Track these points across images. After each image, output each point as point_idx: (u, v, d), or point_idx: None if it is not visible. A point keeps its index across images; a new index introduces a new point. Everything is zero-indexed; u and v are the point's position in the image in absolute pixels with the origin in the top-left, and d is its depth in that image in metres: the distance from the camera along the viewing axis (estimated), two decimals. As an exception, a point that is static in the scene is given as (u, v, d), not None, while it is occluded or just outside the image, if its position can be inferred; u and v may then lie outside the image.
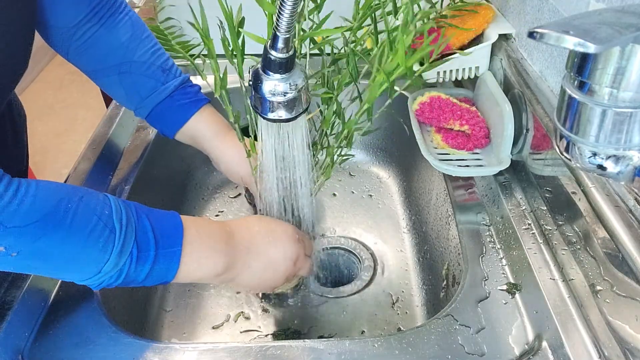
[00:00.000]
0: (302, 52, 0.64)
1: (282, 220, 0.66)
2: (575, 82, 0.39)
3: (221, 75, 0.62)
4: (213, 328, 0.75)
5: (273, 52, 0.51)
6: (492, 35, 0.78)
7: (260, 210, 0.69)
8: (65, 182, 0.75)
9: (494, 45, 0.79)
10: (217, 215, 0.95)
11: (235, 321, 0.76)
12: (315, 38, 0.63)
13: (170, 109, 0.73)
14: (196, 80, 0.78)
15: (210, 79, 0.66)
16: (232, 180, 0.76)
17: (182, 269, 0.54)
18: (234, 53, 0.60)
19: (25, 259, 0.47)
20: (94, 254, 0.49)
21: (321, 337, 0.73)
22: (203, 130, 0.74)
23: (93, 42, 0.69)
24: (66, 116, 2.54)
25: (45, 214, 0.47)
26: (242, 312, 0.77)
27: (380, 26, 0.61)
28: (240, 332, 0.74)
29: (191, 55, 1.03)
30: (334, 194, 0.98)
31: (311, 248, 0.67)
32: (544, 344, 0.52)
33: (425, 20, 0.64)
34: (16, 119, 0.77)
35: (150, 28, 0.70)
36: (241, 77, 0.62)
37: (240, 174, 0.72)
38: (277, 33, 0.49)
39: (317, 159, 0.68)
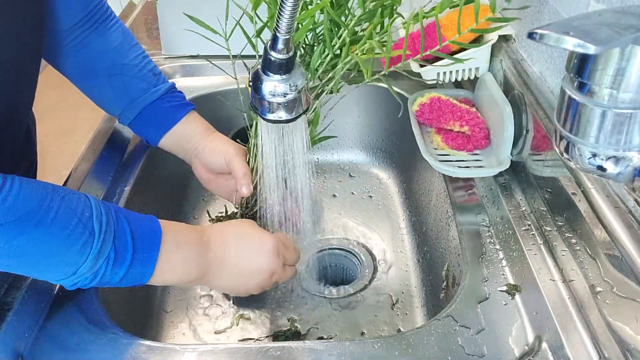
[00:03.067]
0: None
1: (266, 230, 0.65)
2: (575, 83, 0.39)
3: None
4: (213, 330, 0.75)
5: (273, 53, 0.51)
6: (492, 36, 0.78)
7: (259, 214, 0.69)
8: (65, 182, 0.75)
9: (494, 46, 0.79)
10: (216, 216, 0.95)
11: (236, 323, 0.76)
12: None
13: (161, 110, 0.74)
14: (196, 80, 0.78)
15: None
16: (216, 171, 0.74)
17: (156, 273, 0.54)
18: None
19: (7, 257, 0.47)
20: (71, 255, 0.49)
21: (320, 338, 0.73)
22: (192, 130, 0.74)
23: (84, 45, 0.70)
24: (67, 117, 2.54)
25: (27, 212, 0.46)
26: (242, 313, 0.77)
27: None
28: (240, 333, 0.74)
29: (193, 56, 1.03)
30: (334, 195, 0.98)
31: (296, 258, 0.66)
32: (544, 345, 0.52)
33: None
34: (26, 117, 0.77)
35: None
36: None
37: (227, 159, 0.71)
38: (277, 34, 0.49)
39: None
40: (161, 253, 0.54)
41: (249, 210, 0.73)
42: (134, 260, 0.52)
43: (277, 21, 0.48)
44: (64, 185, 0.74)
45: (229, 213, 0.76)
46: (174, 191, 0.92)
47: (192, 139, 0.74)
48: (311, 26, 0.63)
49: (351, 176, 1.02)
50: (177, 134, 0.74)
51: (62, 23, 0.68)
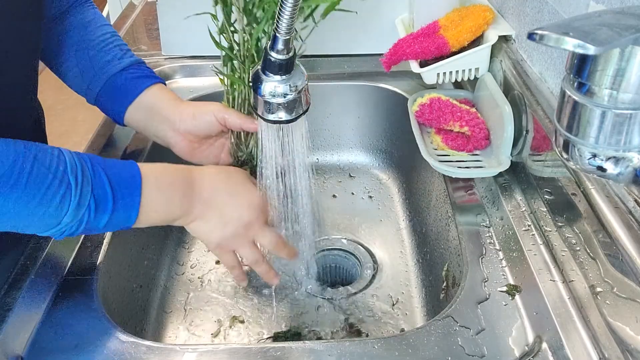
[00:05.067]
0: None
1: (255, 190, 0.65)
2: (575, 84, 0.39)
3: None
4: (214, 330, 0.75)
5: (273, 54, 0.51)
6: (491, 37, 0.78)
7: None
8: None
9: (493, 46, 0.79)
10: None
11: (236, 323, 0.76)
12: None
13: (125, 80, 0.71)
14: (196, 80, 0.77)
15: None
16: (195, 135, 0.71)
17: (141, 217, 0.56)
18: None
19: None
20: (51, 210, 0.50)
21: (320, 338, 0.73)
22: (160, 100, 0.71)
23: (57, 23, 0.70)
24: (66, 118, 2.54)
25: (1, 175, 0.47)
26: (242, 313, 0.77)
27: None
28: (240, 334, 0.74)
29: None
30: (334, 195, 0.98)
31: (276, 220, 0.67)
32: (544, 345, 0.52)
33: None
34: (36, 114, 0.77)
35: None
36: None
37: (217, 115, 0.69)
38: (277, 34, 0.49)
39: None
40: (143, 196, 0.55)
41: (244, 162, 0.73)
42: (116, 206, 0.53)
43: (277, 22, 0.48)
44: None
45: None
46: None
47: (162, 110, 0.71)
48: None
49: (351, 176, 1.02)
50: (144, 105, 0.71)
51: (53, 10, 0.68)
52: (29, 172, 0.49)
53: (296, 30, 0.54)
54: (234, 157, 0.73)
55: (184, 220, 0.61)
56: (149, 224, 0.58)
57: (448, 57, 0.79)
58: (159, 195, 0.57)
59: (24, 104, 0.66)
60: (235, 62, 0.68)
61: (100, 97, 0.72)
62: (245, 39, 0.65)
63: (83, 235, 0.67)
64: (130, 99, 0.71)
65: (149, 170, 0.57)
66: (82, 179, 0.51)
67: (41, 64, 0.69)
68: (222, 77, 0.70)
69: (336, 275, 0.88)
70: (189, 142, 0.71)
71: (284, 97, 0.54)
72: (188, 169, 0.61)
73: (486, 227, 0.67)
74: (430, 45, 0.80)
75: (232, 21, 0.66)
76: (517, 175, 0.72)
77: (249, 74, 0.65)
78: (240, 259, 0.67)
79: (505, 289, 0.59)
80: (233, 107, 0.70)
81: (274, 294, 0.79)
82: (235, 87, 0.69)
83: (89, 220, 0.52)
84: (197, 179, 0.61)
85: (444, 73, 0.80)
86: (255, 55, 0.65)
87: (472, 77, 0.81)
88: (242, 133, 0.71)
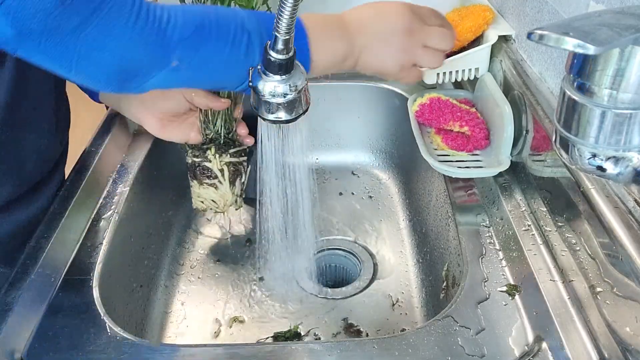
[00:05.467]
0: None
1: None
2: (575, 84, 0.39)
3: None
4: (214, 330, 0.75)
5: (273, 54, 0.51)
6: (491, 37, 0.78)
7: (259, 213, 0.69)
8: (65, 183, 0.75)
9: (493, 46, 0.79)
10: (216, 215, 0.95)
11: (237, 323, 0.76)
12: None
13: None
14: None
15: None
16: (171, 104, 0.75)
17: (312, 59, 0.60)
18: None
19: (192, 70, 0.53)
20: (240, 57, 0.55)
21: (320, 338, 0.73)
22: None
23: None
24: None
25: (196, 27, 0.52)
26: (242, 313, 0.77)
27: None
28: (241, 334, 0.74)
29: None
30: (334, 195, 0.98)
31: (432, 15, 0.68)
32: (544, 345, 0.52)
33: None
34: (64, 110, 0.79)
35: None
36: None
37: (187, 96, 0.73)
38: (277, 34, 0.49)
39: None
40: (309, 39, 0.59)
41: (212, 140, 0.76)
42: None
43: (277, 21, 0.48)
44: (63, 185, 0.74)
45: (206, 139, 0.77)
46: (174, 191, 0.92)
47: None
48: None
49: (351, 176, 1.02)
50: None
51: None
52: (216, 24, 0.53)
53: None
54: (203, 135, 0.76)
55: (351, 56, 0.63)
56: (324, 68, 0.62)
57: (448, 57, 0.79)
58: (321, 35, 0.60)
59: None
60: None
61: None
62: None
63: (83, 235, 0.67)
64: None
65: (303, 17, 0.60)
66: (258, 26, 0.56)
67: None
68: None
69: (336, 275, 0.88)
70: (158, 119, 0.75)
71: (284, 97, 0.54)
72: (329, 14, 0.64)
73: (486, 226, 0.67)
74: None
75: None
76: (517, 175, 0.72)
77: None
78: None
79: (505, 289, 0.59)
80: None
81: (274, 294, 0.79)
82: None
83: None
84: (342, 16, 0.64)
85: (444, 73, 0.80)
86: None
87: (472, 77, 0.81)
88: (209, 111, 0.74)
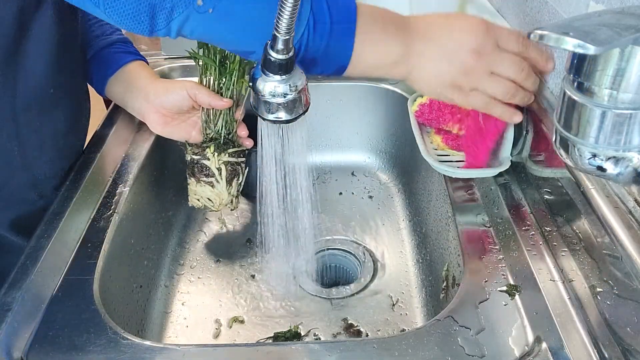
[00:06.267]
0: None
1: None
2: (575, 84, 0.39)
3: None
4: (214, 330, 0.75)
5: (273, 54, 0.51)
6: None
7: (259, 214, 0.69)
8: (64, 182, 0.75)
9: (493, 46, 0.79)
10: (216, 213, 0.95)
11: (237, 323, 0.76)
12: None
13: (108, 55, 0.76)
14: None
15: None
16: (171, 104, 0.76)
17: (356, 49, 0.53)
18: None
19: (217, 19, 0.50)
20: (272, 17, 0.48)
21: (320, 338, 0.73)
22: (138, 74, 0.76)
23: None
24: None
25: None
26: (242, 313, 0.77)
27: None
28: (240, 334, 0.74)
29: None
30: (334, 196, 0.98)
31: (512, 39, 0.58)
32: (544, 345, 0.52)
33: None
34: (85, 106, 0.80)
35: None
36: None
37: (190, 92, 0.73)
38: (277, 34, 0.49)
39: None
40: (359, 26, 0.52)
41: (212, 139, 0.77)
42: (333, 30, 0.51)
43: (277, 21, 0.48)
44: (63, 187, 0.74)
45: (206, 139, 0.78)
46: (174, 191, 0.92)
47: (139, 84, 0.76)
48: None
49: (351, 176, 1.02)
50: (123, 78, 0.76)
51: None
52: None
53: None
54: (204, 134, 0.77)
55: (404, 62, 0.55)
56: (366, 65, 0.54)
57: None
58: (374, 26, 0.53)
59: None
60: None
61: (87, 67, 0.77)
62: None
63: (83, 235, 0.67)
64: (112, 71, 0.76)
65: (364, 6, 0.54)
66: None
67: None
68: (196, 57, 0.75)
69: (336, 275, 0.88)
70: (161, 116, 0.76)
71: (284, 97, 0.54)
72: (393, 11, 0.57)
73: (486, 226, 0.67)
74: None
75: None
76: (517, 175, 0.72)
77: (220, 56, 0.72)
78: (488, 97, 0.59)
79: (505, 289, 0.59)
80: (207, 87, 0.75)
81: (274, 294, 0.79)
82: (207, 67, 0.74)
83: (308, 41, 0.51)
84: (407, 17, 0.56)
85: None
86: None
87: (472, 77, 0.81)
88: (211, 111, 0.75)
